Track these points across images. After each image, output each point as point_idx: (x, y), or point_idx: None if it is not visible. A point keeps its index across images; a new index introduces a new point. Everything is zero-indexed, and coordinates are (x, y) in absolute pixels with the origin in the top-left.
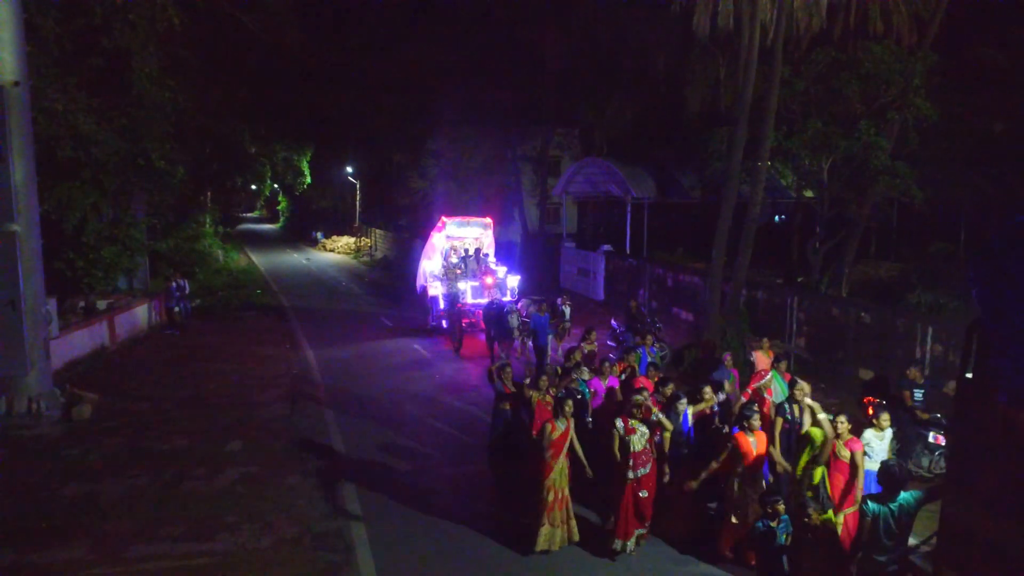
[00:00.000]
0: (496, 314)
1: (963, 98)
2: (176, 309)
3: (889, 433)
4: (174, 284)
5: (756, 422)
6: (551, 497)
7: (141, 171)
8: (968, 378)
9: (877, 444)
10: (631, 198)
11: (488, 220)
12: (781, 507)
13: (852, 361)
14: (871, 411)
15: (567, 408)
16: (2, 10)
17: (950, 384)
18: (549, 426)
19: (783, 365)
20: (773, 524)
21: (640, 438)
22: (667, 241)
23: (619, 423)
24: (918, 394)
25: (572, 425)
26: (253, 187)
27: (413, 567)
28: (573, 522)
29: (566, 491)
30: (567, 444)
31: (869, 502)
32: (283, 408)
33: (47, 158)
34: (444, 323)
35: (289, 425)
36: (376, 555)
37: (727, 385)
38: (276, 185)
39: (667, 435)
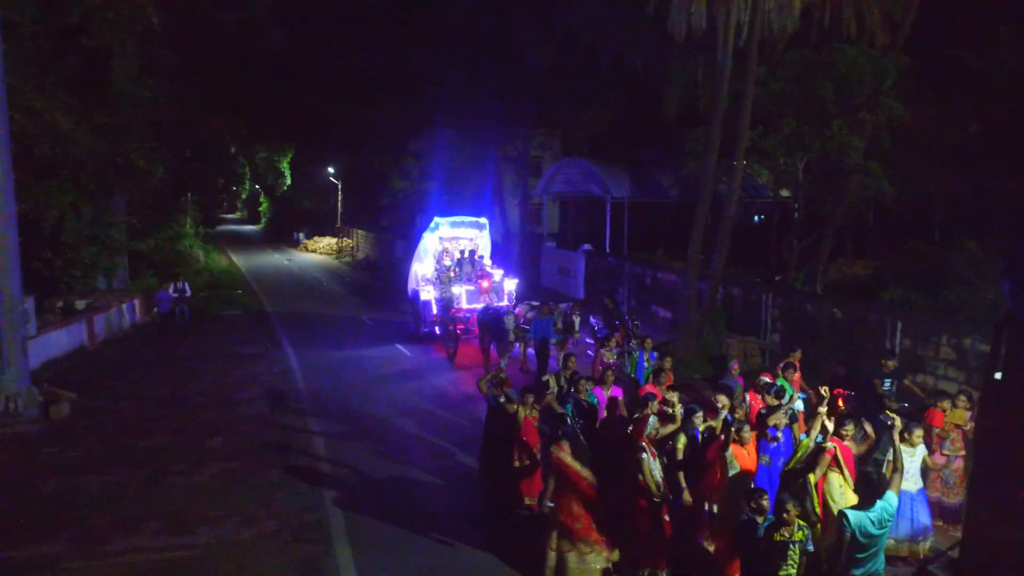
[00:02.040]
0: (492, 319)
1: (936, 99)
2: (176, 312)
3: (922, 450)
4: (173, 287)
5: (747, 434)
6: (580, 524)
7: (120, 170)
8: (996, 379)
9: (907, 462)
10: (611, 197)
11: (484, 220)
12: (766, 503)
13: (825, 356)
14: (840, 403)
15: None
16: None
17: (914, 378)
18: (560, 451)
19: (791, 372)
20: (760, 520)
21: (659, 462)
22: (647, 240)
23: (647, 451)
24: (887, 383)
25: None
26: (234, 188)
27: (391, 558)
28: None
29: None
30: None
31: (849, 514)
32: (263, 407)
33: (25, 156)
34: (437, 329)
35: (269, 423)
36: (355, 547)
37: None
38: (257, 186)
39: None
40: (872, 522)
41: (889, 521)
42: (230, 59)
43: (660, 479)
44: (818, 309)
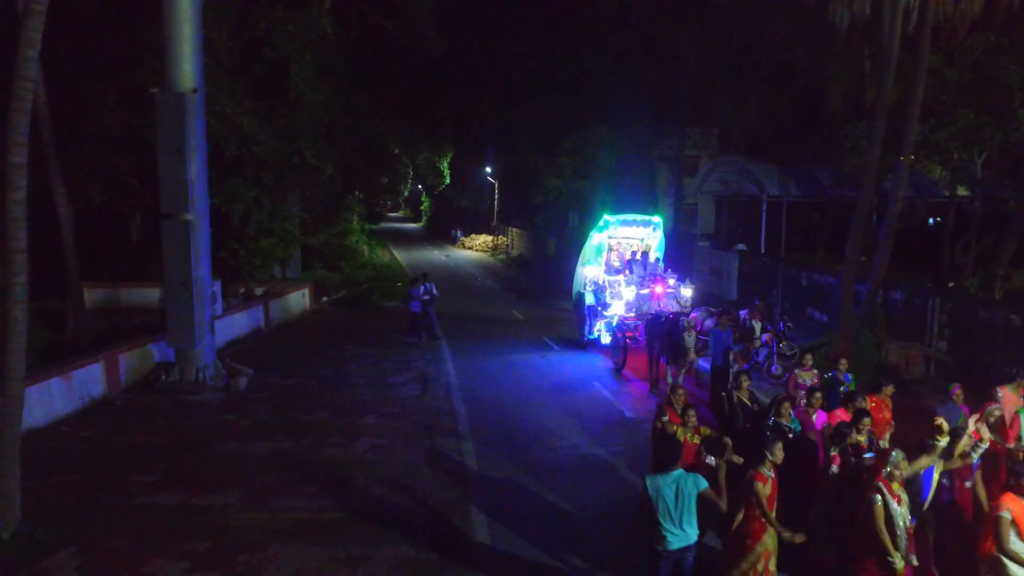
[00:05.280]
0: (664, 329)
1: None
2: (422, 313)
3: None
4: (422, 287)
5: None
6: (761, 566)
7: (295, 168)
8: None
9: None
10: (767, 196)
11: (657, 219)
12: None
13: (1000, 366)
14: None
15: (774, 455)
16: (186, 28)
17: None
18: (760, 482)
19: None
20: None
21: (907, 509)
22: (805, 241)
23: (883, 489)
24: None
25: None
26: (397, 187)
27: (524, 535)
28: None
29: (773, 562)
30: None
31: None
32: (415, 390)
33: (216, 156)
34: (603, 337)
35: (420, 406)
36: (491, 522)
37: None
38: (419, 186)
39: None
40: None
41: None
42: (394, 64)
43: (905, 534)
44: (992, 315)
